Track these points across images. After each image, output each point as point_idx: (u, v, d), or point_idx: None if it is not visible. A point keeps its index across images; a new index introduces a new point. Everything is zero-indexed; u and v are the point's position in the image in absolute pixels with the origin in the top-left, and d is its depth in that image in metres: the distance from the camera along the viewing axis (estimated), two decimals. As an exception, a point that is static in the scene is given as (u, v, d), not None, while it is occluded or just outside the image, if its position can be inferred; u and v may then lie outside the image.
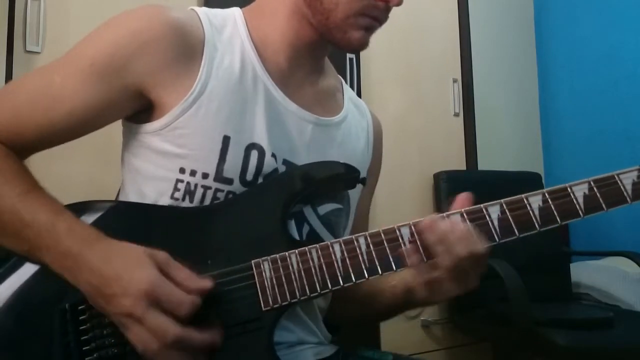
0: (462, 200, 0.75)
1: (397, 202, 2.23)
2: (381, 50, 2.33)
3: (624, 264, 2.23)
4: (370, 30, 0.82)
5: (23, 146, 0.76)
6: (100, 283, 0.64)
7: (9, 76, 1.63)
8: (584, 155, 2.69)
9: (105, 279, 0.64)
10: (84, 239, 0.67)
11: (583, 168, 2.59)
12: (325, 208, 0.85)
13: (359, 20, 0.80)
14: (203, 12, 0.82)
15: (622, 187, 0.75)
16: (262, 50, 0.84)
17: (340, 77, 1.00)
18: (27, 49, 1.67)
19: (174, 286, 0.64)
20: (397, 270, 0.72)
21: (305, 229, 0.83)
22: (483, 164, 2.59)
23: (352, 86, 2.14)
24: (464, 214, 0.74)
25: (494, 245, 0.74)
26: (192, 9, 0.82)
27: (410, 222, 0.74)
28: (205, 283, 0.67)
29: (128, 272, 0.64)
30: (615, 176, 0.76)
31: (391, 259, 0.72)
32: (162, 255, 0.66)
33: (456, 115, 2.56)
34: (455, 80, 2.57)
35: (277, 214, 0.75)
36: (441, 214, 0.74)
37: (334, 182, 0.82)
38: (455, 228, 0.71)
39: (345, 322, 1.00)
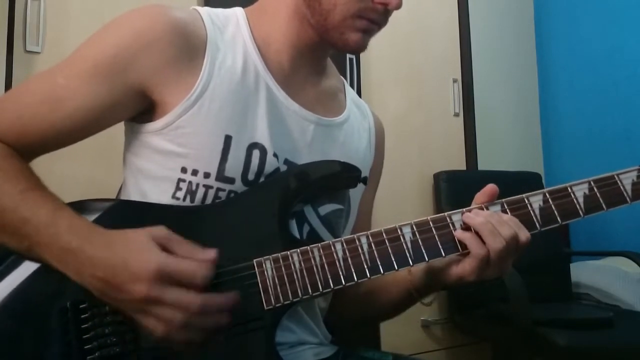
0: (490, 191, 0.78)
1: (397, 202, 2.23)
2: (381, 50, 2.33)
3: (624, 264, 2.23)
4: (368, 32, 0.81)
5: (28, 148, 0.76)
6: (107, 274, 0.64)
7: (9, 76, 1.63)
8: (584, 155, 2.69)
9: (111, 269, 0.64)
10: (84, 233, 0.67)
11: (583, 168, 2.60)
12: (325, 208, 0.85)
13: (357, 23, 0.79)
14: (205, 11, 0.82)
15: (622, 187, 0.76)
16: (264, 50, 0.84)
17: (342, 78, 1.00)
18: (27, 49, 1.67)
19: (182, 259, 0.65)
20: (398, 269, 0.73)
21: (306, 228, 0.83)
22: (483, 164, 2.59)
23: (352, 86, 2.14)
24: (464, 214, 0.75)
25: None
26: (195, 9, 0.83)
27: (412, 222, 0.75)
28: (211, 253, 0.67)
29: (133, 258, 0.63)
30: (615, 176, 0.77)
31: (393, 258, 0.73)
32: (162, 232, 0.66)
33: (456, 115, 2.56)
34: (455, 80, 2.57)
35: (278, 212, 0.76)
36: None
37: (335, 181, 0.83)
38: (500, 215, 0.74)
39: (346, 323, 0.99)
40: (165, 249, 0.65)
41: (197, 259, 0.66)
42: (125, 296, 0.64)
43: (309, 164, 0.82)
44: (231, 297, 0.66)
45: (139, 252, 0.64)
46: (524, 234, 0.73)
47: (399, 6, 0.79)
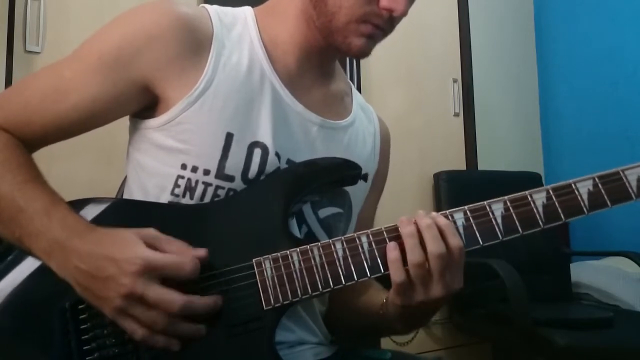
0: None
1: (397, 202, 2.22)
2: (381, 50, 2.31)
3: (624, 264, 2.23)
4: (372, 38, 0.81)
5: (32, 138, 0.77)
6: (92, 267, 0.64)
7: (9, 76, 1.64)
8: (584, 155, 2.69)
9: (97, 262, 0.64)
10: (75, 228, 0.67)
11: (583, 168, 2.56)
12: (325, 212, 0.85)
13: (361, 27, 0.79)
14: (214, 9, 0.83)
15: (627, 183, 0.74)
16: (271, 50, 0.84)
17: (350, 82, 0.99)
18: (27, 49, 1.68)
19: (168, 255, 0.65)
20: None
21: (304, 230, 0.83)
22: (483, 164, 2.59)
23: (352, 86, 2.14)
24: (467, 212, 0.74)
25: (496, 243, 0.74)
26: (203, 6, 0.83)
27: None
28: (200, 250, 0.68)
29: (120, 252, 0.64)
30: (620, 172, 0.75)
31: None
32: (150, 232, 0.67)
33: (456, 115, 2.56)
34: (455, 80, 2.56)
35: (278, 211, 0.75)
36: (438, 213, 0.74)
37: (335, 176, 0.82)
38: (436, 222, 0.70)
39: (348, 330, 0.98)
40: (152, 247, 0.65)
41: (185, 254, 0.66)
42: (109, 292, 0.63)
43: (310, 160, 0.82)
44: (213, 303, 0.66)
45: (125, 247, 0.64)
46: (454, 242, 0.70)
47: (404, 13, 0.78)
